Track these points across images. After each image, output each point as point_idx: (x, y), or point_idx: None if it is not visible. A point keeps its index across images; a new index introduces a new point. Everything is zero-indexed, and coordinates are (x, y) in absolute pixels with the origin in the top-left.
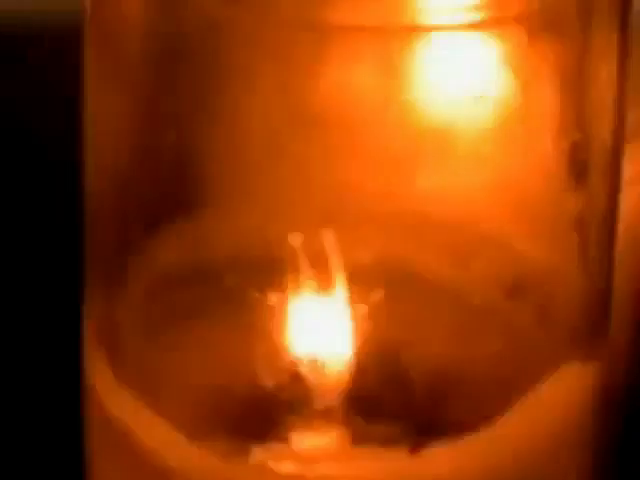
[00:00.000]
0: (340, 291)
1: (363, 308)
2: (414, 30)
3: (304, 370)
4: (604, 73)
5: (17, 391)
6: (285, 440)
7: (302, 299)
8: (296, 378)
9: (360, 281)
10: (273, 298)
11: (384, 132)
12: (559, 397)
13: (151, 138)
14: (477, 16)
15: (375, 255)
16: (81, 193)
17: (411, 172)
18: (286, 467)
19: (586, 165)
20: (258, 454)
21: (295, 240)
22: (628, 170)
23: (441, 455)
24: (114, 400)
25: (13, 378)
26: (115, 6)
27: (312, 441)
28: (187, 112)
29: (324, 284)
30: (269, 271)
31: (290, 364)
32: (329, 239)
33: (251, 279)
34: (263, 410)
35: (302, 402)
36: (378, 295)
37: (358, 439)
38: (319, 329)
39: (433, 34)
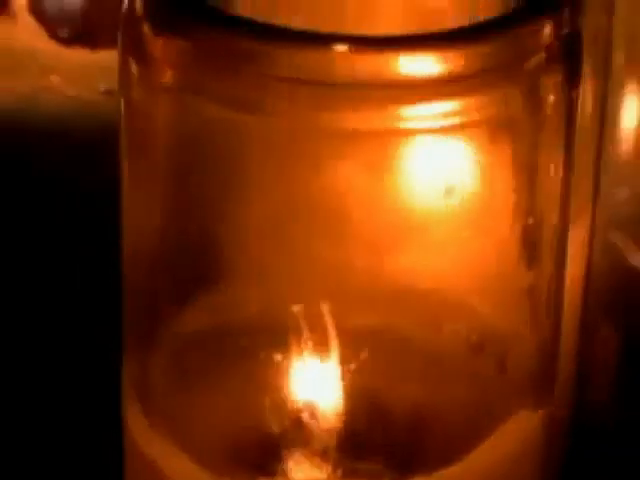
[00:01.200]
0: (334, 351)
1: (352, 365)
2: (397, 134)
3: (304, 416)
4: (552, 167)
5: (64, 436)
6: (288, 474)
7: (303, 358)
8: (297, 423)
9: (350, 343)
10: (279, 357)
11: (372, 219)
12: (515, 437)
13: (178, 225)
14: (448, 122)
15: (363, 321)
16: (120, 270)
17: (394, 252)
18: None
19: (537, 245)
20: None
21: (298, 310)
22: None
23: None
24: (147, 441)
25: (62, 424)
26: (145, 117)
27: (309, 475)
28: (209, 202)
29: (321, 346)
30: (276, 335)
31: (293, 411)
32: (325, 309)
33: (261, 341)
34: (270, 449)
35: (302, 442)
36: (365, 354)
37: (348, 474)
38: (316, 382)
39: (413, 137)
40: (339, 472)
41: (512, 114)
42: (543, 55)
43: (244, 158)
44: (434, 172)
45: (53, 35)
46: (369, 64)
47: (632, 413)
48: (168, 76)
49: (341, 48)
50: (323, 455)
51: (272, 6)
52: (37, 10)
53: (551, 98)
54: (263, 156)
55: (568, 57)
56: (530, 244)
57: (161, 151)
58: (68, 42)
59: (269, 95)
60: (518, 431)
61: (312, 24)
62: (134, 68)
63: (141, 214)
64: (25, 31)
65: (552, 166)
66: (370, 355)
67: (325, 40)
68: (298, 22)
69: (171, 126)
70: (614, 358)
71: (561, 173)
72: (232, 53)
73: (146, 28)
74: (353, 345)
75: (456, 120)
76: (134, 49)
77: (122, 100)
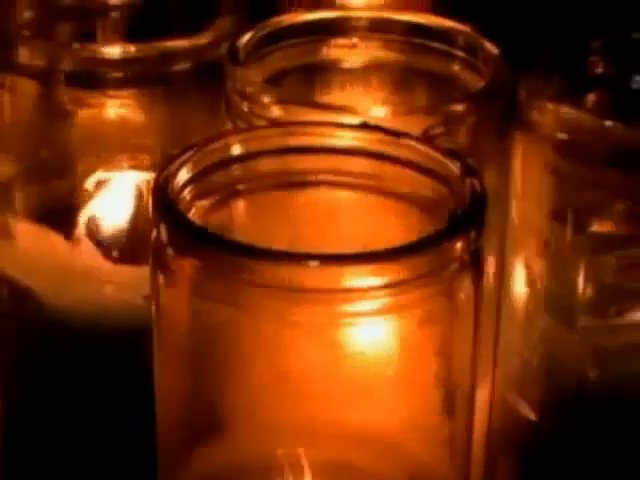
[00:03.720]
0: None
1: None
2: (349, 323)
3: None
4: (464, 344)
5: None
6: None
7: None
8: None
9: (319, 472)
10: None
11: (331, 383)
12: None
13: (194, 393)
14: (385, 314)
15: (329, 454)
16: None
17: (348, 405)
18: None
19: (454, 402)
20: None
21: (281, 451)
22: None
23: None
24: None
25: None
26: (169, 315)
27: None
28: (216, 373)
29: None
30: (265, 471)
31: None
32: (301, 452)
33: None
34: None
35: None
36: None
37: None
38: None
39: (360, 325)
40: None
41: (434, 308)
42: (456, 265)
43: (240, 341)
44: (378, 348)
45: (107, 255)
46: (328, 275)
47: None
48: (185, 285)
49: (312, 263)
50: None
51: (260, 232)
52: (94, 237)
53: (462, 295)
54: (253, 340)
55: (475, 265)
56: (448, 401)
57: (181, 339)
58: (118, 260)
59: (258, 298)
60: None
61: (288, 245)
62: (161, 279)
63: (168, 384)
64: (86, 252)
65: (464, 343)
66: None
67: (295, 258)
68: (278, 244)
69: (188, 321)
70: None
71: (470, 348)
72: (231, 268)
73: (169, 251)
74: (320, 474)
75: (392, 312)
76: (161, 265)
77: (153, 303)
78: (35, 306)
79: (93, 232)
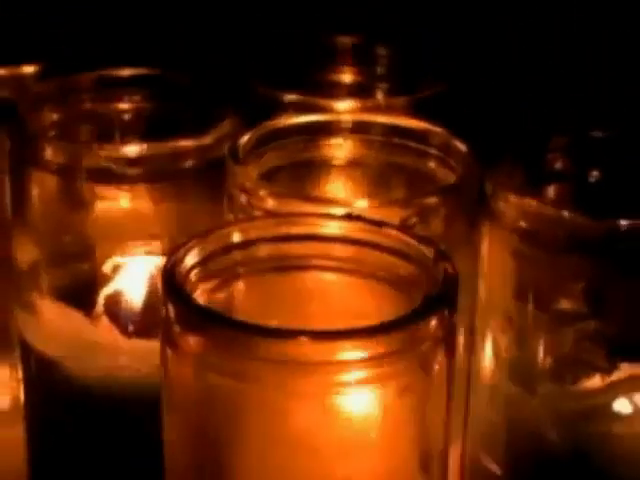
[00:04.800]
0: None
1: None
2: (337, 391)
3: None
4: (438, 410)
5: None
6: None
7: None
8: None
9: None
10: None
11: (322, 445)
12: None
13: (200, 457)
14: (368, 385)
15: None
16: None
17: (336, 463)
18: None
19: (429, 461)
20: None
21: None
22: None
23: None
24: None
25: None
26: (177, 383)
27: None
28: (218, 434)
29: None
30: None
31: None
32: None
33: None
34: None
35: None
36: None
37: None
38: None
39: (348, 394)
40: None
41: (411, 378)
42: (431, 340)
43: (241, 408)
44: (362, 414)
45: (123, 330)
46: (317, 349)
47: None
48: (191, 359)
49: (301, 340)
50: None
51: (258, 311)
52: (111, 314)
53: (436, 367)
54: (253, 407)
55: (448, 340)
56: (424, 460)
57: (188, 407)
58: (132, 335)
59: (255, 370)
60: None
61: (283, 322)
62: (169, 353)
63: (176, 447)
64: (104, 328)
65: (438, 409)
66: None
67: (288, 334)
68: (274, 321)
69: (194, 390)
70: None
71: (444, 413)
72: (232, 343)
73: (177, 328)
74: None
75: (374, 382)
76: (169, 341)
77: (162, 374)
78: (59, 374)
79: (111, 310)
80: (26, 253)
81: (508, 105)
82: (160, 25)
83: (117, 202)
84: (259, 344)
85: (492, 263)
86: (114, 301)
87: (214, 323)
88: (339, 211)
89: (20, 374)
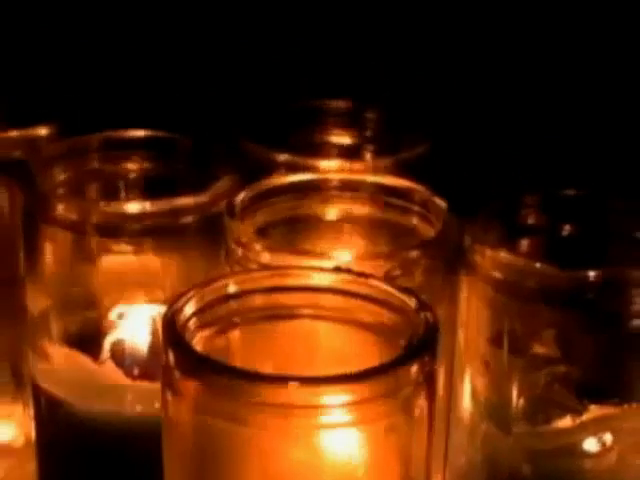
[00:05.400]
0: None
1: None
2: (325, 427)
3: None
4: (420, 450)
5: None
6: None
7: None
8: None
9: None
10: None
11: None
12: None
13: None
14: (354, 425)
15: None
16: None
17: None
18: None
19: None
20: None
21: None
22: None
23: None
24: None
25: None
26: (177, 426)
27: None
28: (211, 476)
29: None
30: None
31: None
32: None
33: None
34: None
35: None
36: None
37: None
38: None
39: (334, 431)
40: None
41: (395, 420)
42: (413, 384)
43: (235, 448)
44: (350, 453)
45: (127, 374)
46: (307, 393)
47: None
48: (189, 402)
49: (291, 385)
50: None
51: (253, 357)
52: (117, 359)
53: (418, 409)
54: (246, 447)
55: (429, 384)
56: None
57: (186, 446)
58: (136, 378)
59: (249, 413)
60: None
61: (276, 368)
62: (169, 396)
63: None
64: (110, 371)
65: (420, 447)
66: None
67: (281, 380)
68: (267, 367)
69: (192, 431)
70: None
71: (425, 451)
72: (227, 388)
73: (176, 373)
74: None
75: (360, 424)
76: (169, 385)
77: (162, 415)
78: (67, 414)
79: (116, 354)
80: (38, 302)
81: (485, 164)
82: (162, 90)
83: (122, 255)
84: (252, 389)
85: (470, 311)
86: (119, 346)
87: (210, 369)
88: (328, 264)
89: (32, 413)
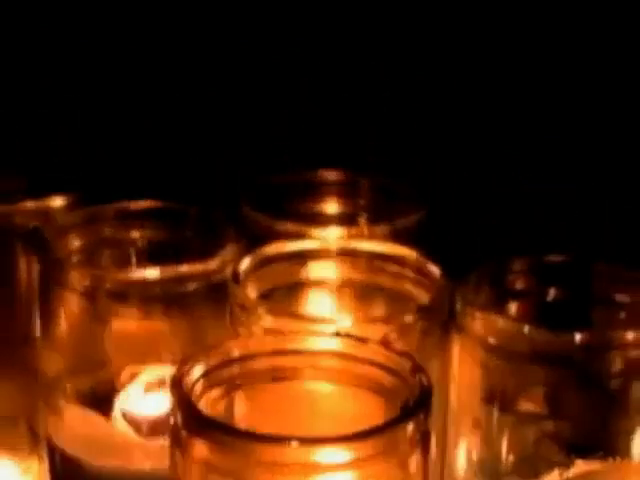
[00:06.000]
0: None
1: None
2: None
3: None
4: None
5: None
6: None
7: None
8: None
9: None
10: None
11: None
12: None
13: None
14: (350, 475)
15: None
16: None
17: None
18: None
19: None
20: None
21: None
22: None
23: None
24: None
25: None
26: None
27: None
28: None
29: None
30: None
31: None
32: None
33: None
34: None
35: None
36: None
37: None
38: None
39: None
40: None
41: (391, 477)
42: (409, 443)
43: None
44: None
45: (138, 432)
46: (307, 453)
47: None
48: (197, 460)
49: (293, 444)
50: None
51: (256, 417)
52: (128, 418)
53: (413, 466)
54: None
55: (424, 442)
56: None
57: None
58: (147, 435)
59: (253, 471)
60: None
61: (278, 428)
62: (177, 455)
63: None
64: (121, 429)
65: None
66: None
67: (282, 440)
68: (270, 427)
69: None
70: None
71: None
72: (232, 448)
73: (184, 433)
74: None
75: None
76: (177, 444)
77: (171, 471)
78: (80, 470)
79: (127, 414)
80: (52, 363)
81: (475, 231)
82: (168, 162)
83: (133, 319)
84: (255, 448)
85: (462, 371)
86: (130, 406)
87: (216, 430)
88: (328, 327)
89: (47, 468)
